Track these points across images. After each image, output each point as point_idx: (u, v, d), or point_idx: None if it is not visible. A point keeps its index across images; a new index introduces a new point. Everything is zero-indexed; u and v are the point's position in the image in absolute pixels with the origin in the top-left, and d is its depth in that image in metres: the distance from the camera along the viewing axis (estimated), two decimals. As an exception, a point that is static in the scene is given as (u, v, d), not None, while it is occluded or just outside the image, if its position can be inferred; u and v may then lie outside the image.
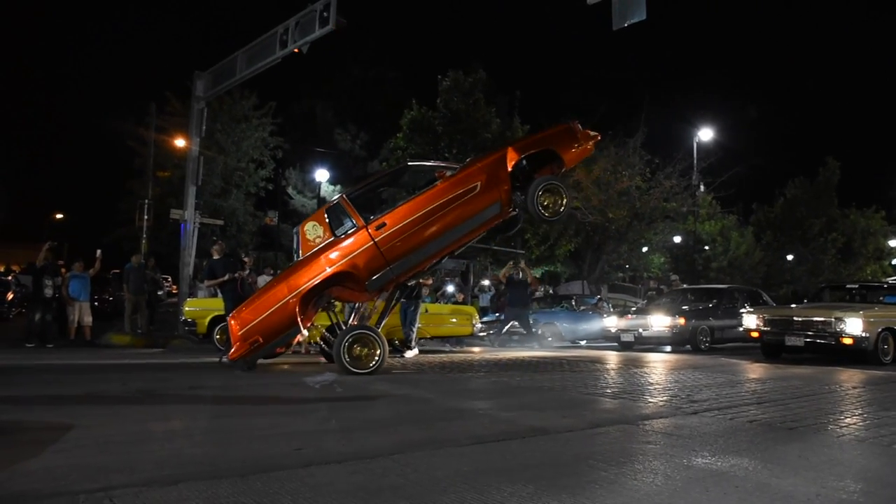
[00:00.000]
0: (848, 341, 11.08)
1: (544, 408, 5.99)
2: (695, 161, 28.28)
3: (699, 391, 7.01)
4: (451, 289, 19.16)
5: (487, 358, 12.17)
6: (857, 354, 11.13)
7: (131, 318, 14.99)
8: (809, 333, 11.60)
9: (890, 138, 72.23)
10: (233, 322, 8.46)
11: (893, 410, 5.82)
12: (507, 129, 30.70)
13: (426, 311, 14.20)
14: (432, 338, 14.60)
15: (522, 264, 17.66)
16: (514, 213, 9.56)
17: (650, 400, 6.39)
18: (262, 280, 14.73)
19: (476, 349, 15.59)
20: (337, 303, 10.10)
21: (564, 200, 9.12)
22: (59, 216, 54.15)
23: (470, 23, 73.10)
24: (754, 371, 9.83)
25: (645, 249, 35.33)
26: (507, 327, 16.22)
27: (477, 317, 15.05)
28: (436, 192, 8.73)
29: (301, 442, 4.09)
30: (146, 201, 19.56)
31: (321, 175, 34.92)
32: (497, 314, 19.19)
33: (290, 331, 8.39)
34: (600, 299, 21.62)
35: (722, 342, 15.86)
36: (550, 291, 25.08)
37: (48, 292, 13.74)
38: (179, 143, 24.86)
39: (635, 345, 15.71)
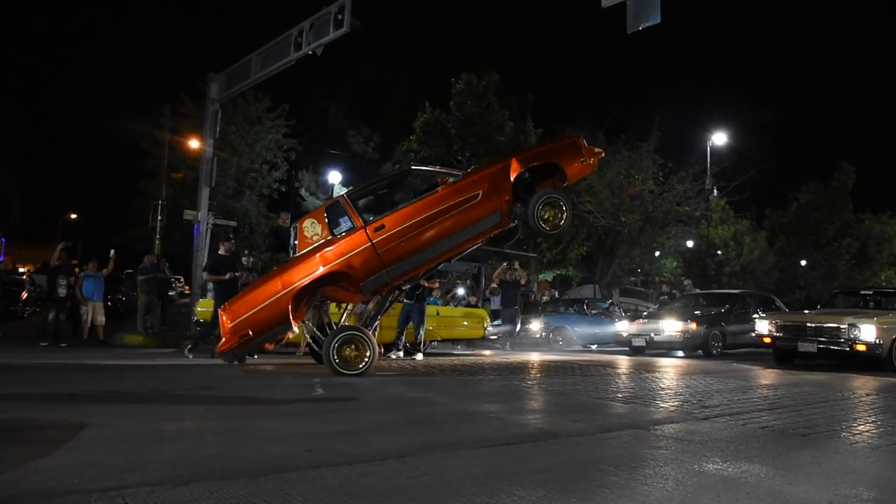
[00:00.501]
0: (861, 348, 10.99)
1: (555, 411, 5.98)
2: (708, 165, 28.16)
3: (711, 396, 6.98)
4: (461, 291, 19.15)
5: (498, 361, 12.18)
6: (871, 361, 11.03)
7: (144, 318, 15.06)
8: (822, 339, 11.52)
9: (905, 143, 71.75)
10: (224, 315, 8.45)
11: (907, 418, 5.78)
12: (521, 132, 30.70)
13: (437, 313, 14.21)
14: (444, 340, 14.60)
15: (516, 265, 17.77)
16: (514, 224, 9.52)
17: (661, 405, 6.36)
18: None
19: (487, 352, 15.59)
20: (332, 303, 10.09)
21: (565, 214, 9.09)
22: (73, 216, 54.50)
23: (482, 25, 73.15)
24: (767, 377, 9.78)
25: (657, 254, 35.21)
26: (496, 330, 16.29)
27: (488, 320, 15.02)
28: (437, 198, 8.73)
29: (311, 443, 4.10)
30: (160, 202, 19.68)
31: (334, 177, 34.98)
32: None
33: (280, 326, 8.33)
34: (612, 303, 21.54)
35: (734, 347, 15.77)
36: (556, 295, 25.03)
37: (62, 292, 13.83)
38: (193, 144, 24.95)
39: (647, 349, 15.63)
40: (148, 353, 11.02)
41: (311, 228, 8.72)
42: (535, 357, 13.72)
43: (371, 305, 9.96)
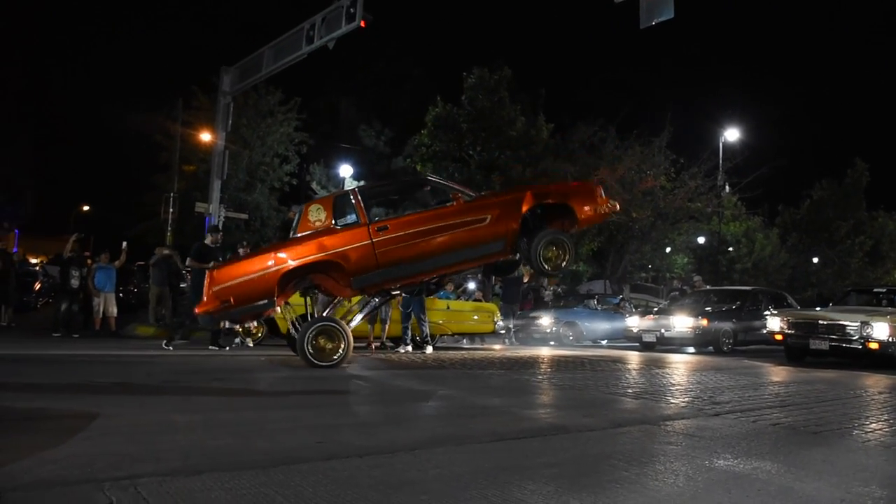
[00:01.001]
0: (874, 346, 10.93)
1: (565, 406, 5.98)
2: (720, 161, 28.07)
3: (721, 393, 6.96)
4: (472, 286, 19.17)
5: (508, 356, 12.18)
6: (884, 359, 10.96)
7: (155, 309, 15.14)
8: (835, 337, 11.46)
9: (920, 140, 71.18)
10: (210, 278, 8.43)
11: (920, 416, 5.75)
12: (532, 127, 30.62)
13: (447, 307, 14.23)
14: (453, 334, 14.62)
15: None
16: (516, 257, 9.48)
17: (672, 401, 6.35)
18: None
19: (497, 346, 15.60)
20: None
21: (568, 257, 9.11)
22: (85, 209, 54.76)
23: (494, 20, 72.94)
24: (778, 374, 9.75)
25: (668, 250, 35.12)
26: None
27: (498, 314, 15.04)
28: (446, 212, 8.77)
29: (322, 435, 4.12)
30: (172, 195, 19.75)
31: (345, 171, 35.01)
32: (520, 311, 19.17)
33: (263, 301, 8.25)
34: (622, 299, 21.51)
35: (745, 344, 15.74)
36: (559, 291, 24.97)
37: (74, 283, 13.93)
38: (205, 137, 25.03)
39: (657, 345, 15.62)
40: (159, 344, 11.06)
41: (316, 214, 8.68)
42: (544, 352, 13.71)
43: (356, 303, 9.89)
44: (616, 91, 63.78)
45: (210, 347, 11.13)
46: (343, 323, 8.76)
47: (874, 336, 10.95)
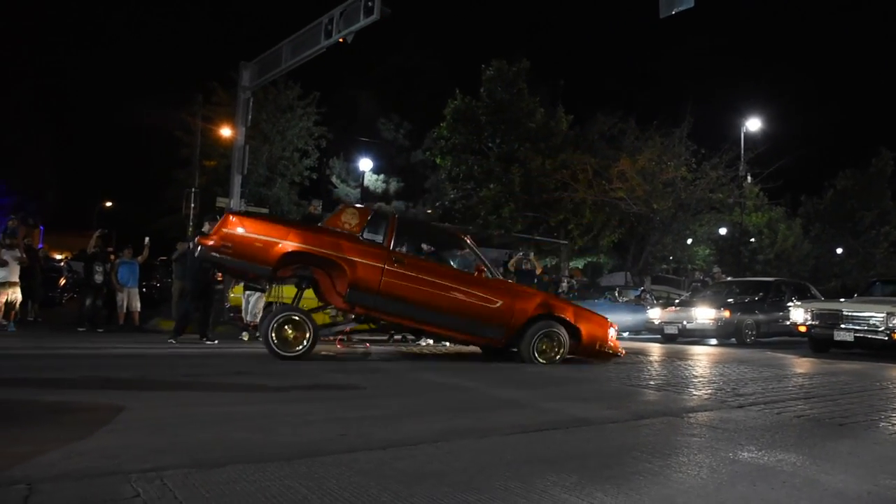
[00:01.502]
0: (900, 337, 10.81)
1: (587, 398, 5.96)
2: (742, 151, 27.82)
3: (745, 385, 6.92)
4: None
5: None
6: (910, 350, 10.85)
7: (178, 304, 15.25)
8: (859, 328, 11.35)
9: (947, 128, 70.11)
10: (228, 217, 8.47)
11: (948, 408, 5.68)
12: (551, 119, 30.53)
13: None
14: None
15: (532, 255, 17.93)
16: (505, 347, 9.33)
17: (694, 393, 6.32)
18: None
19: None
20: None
21: (563, 350, 9.10)
22: (107, 205, 55.29)
23: (512, 11, 72.65)
24: (802, 366, 9.67)
25: (690, 241, 34.91)
26: None
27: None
28: (463, 277, 8.94)
29: (345, 428, 4.13)
30: (193, 190, 19.89)
31: (365, 164, 35.11)
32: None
33: (258, 265, 8.17)
34: (644, 291, 21.41)
35: (768, 336, 15.63)
36: (574, 283, 24.88)
37: (98, 278, 14.07)
38: (225, 132, 25.19)
39: (679, 337, 15.55)
40: (182, 338, 11.16)
41: (349, 217, 8.70)
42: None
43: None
44: (636, 81, 63.34)
45: (206, 342, 11.20)
46: (309, 314, 8.62)
47: (900, 327, 10.82)
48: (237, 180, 17.37)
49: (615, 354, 9.49)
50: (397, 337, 12.70)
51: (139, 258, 14.85)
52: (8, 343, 10.20)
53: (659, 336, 16.11)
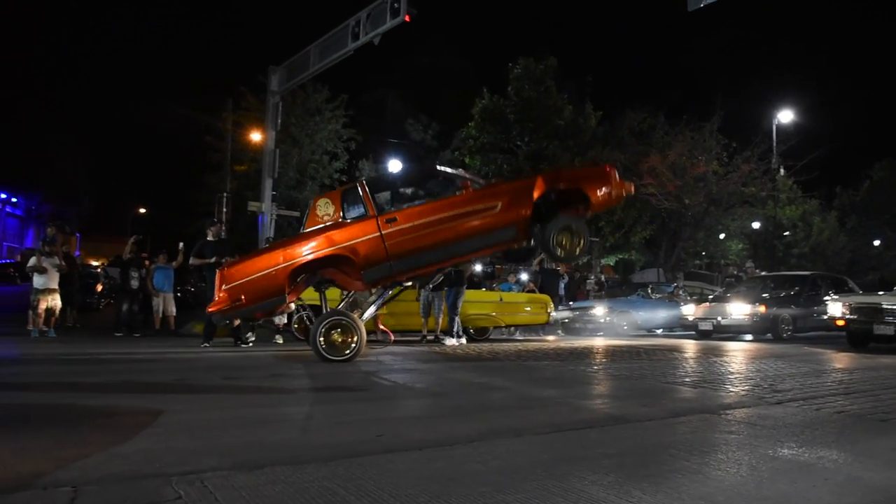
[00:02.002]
0: (942, 330, 10.60)
1: (622, 396, 5.93)
2: (774, 144, 27.44)
3: (782, 381, 6.83)
4: (524, 276, 19.12)
5: (562, 346, 12.13)
6: (952, 344, 10.63)
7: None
8: (900, 322, 11.13)
9: None
10: (222, 273, 8.45)
11: None
12: (580, 116, 30.39)
13: (500, 299, 14.21)
14: (508, 326, 14.60)
15: None
16: (529, 244, 9.32)
17: (731, 389, 6.25)
18: None
19: (550, 337, 15.55)
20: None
21: (582, 243, 8.88)
22: (142, 210, 56.08)
23: (538, 8, 72.40)
24: (840, 361, 9.52)
25: (722, 236, 34.54)
26: None
27: (552, 305, 14.96)
28: (456, 201, 8.62)
29: (381, 429, 4.15)
30: (224, 194, 20.12)
31: (394, 166, 35.17)
32: (570, 303, 19.10)
33: (275, 299, 8.30)
34: (677, 287, 21.23)
35: (804, 331, 15.42)
36: (603, 279, 24.75)
37: (134, 284, 14.27)
38: (255, 137, 25.40)
39: (713, 333, 15.39)
40: (218, 341, 11.28)
41: (324, 208, 8.66)
42: (599, 342, 13.63)
43: (372, 296, 9.82)
44: (665, 76, 62.80)
45: (241, 345, 11.30)
46: (356, 317, 8.72)
47: (942, 319, 10.61)
48: (268, 184, 17.54)
49: (627, 193, 9.36)
50: (430, 338, 12.76)
51: (174, 263, 15.02)
52: (49, 349, 10.39)
53: (693, 332, 15.96)
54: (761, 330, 14.95)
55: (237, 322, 11.07)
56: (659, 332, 18.35)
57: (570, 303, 19.11)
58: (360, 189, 8.75)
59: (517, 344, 12.83)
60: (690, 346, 12.33)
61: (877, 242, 44.02)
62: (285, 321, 12.22)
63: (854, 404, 5.35)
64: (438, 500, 2.74)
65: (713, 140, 27.24)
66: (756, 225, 37.06)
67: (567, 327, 17.61)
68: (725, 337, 15.37)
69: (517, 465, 3.32)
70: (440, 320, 12.69)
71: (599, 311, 17.76)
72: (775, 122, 27.81)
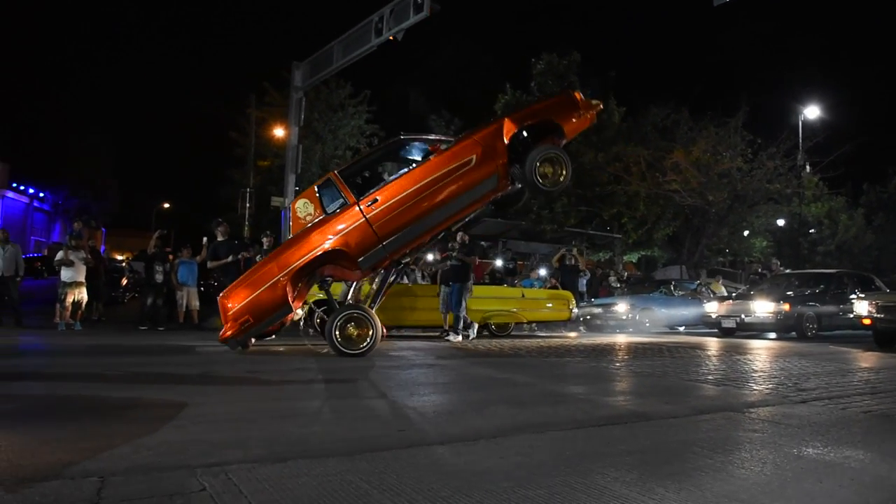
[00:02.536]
0: (971, 329, 10.44)
1: (645, 394, 5.90)
2: (800, 140, 27.13)
3: (807, 379, 6.76)
4: (543, 272, 19.09)
5: (584, 343, 12.09)
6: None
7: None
8: (928, 321, 10.98)
9: None
10: (223, 301, 8.43)
11: None
12: (603, 112, 30.20)
13: (522, 295, 14.19)
14: (529, 322, 14.58)
15: (575, 252, 17.79)
16: (514, 187, 9.22)
17: (755, 387, 6.20)
18: None
19: (572, 334, 15.51)
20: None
21: (565, 171, 8.77)
22: (165, 205, 56.61)
23: (561, 3, 72.06)
24: (867, 360, 9.41)
25: (746, 233, 34.21)
26: None
27: (574, 302, 14.92)
28: (429, 167, 8.50)
29: (403, 423, 4.17)
30: (248, 189, 20.24)
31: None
32: (592, 299, 19.03)
33: (281, 310, 8.30)
34: (700, 284, 21.08)
35: (830, 329, 15.25)
36: (626, 276, 24.58)
37: (159, 278, 14.41)
38: (278, 132, 25.53)
39: (737, 331, 15.28)
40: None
41: (304, 209, 8.64)
42: (621, 339, 13.57)
43: (376, 282, 9.80)
44: (689, 72, 62.26)
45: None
46: (371, 311, 8.71)
47: (971, 319, 10.45)
48: (291, 179, 17.64)
49: (597, 110, 9.32)
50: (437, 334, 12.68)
51: (197, 258, 15.14)
52: (75, 341, 10.54)
53: (716, 330, 15.84)
54: (785, 328, 14.81)
55: None
56: (681, 329, 18.24)
57: (592, 299, 19.04)
58: (333, 180, 8.72)
59: (539, 340, 12.81)
60: (713, 344, 12.24)
61: (905, 240, 43.36)
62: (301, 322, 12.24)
63: (881, 404, 5.29)
64: (461, 494, 2.75)
65: (738, 136, 26.96)
66: (781, 222, 36.67)
67: (589, 324, 17.57)
68: (749, 335, 15.25)
69: (539, 460, 3.31)
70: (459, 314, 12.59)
71: (621, 307, 17.69)
72: (801, 117, 27.49)
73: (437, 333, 12.87)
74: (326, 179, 8.91)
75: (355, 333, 8.44)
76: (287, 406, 4.90)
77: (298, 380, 6.51)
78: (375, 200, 8.38)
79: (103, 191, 55.58)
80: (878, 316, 11.78)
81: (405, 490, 2.78)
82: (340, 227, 8.34)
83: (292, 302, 8.33)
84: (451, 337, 12.01)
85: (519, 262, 21.23)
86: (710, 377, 7.05)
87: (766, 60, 66.37)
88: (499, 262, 21.73)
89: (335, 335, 8.34)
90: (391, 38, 14.56)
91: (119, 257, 36.64)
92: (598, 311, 17.81)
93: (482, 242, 27.32)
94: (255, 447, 3.45)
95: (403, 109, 41.34)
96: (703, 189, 26.61)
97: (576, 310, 15.03)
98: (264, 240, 14.01)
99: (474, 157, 8.44)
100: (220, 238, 12.58)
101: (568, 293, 15.35)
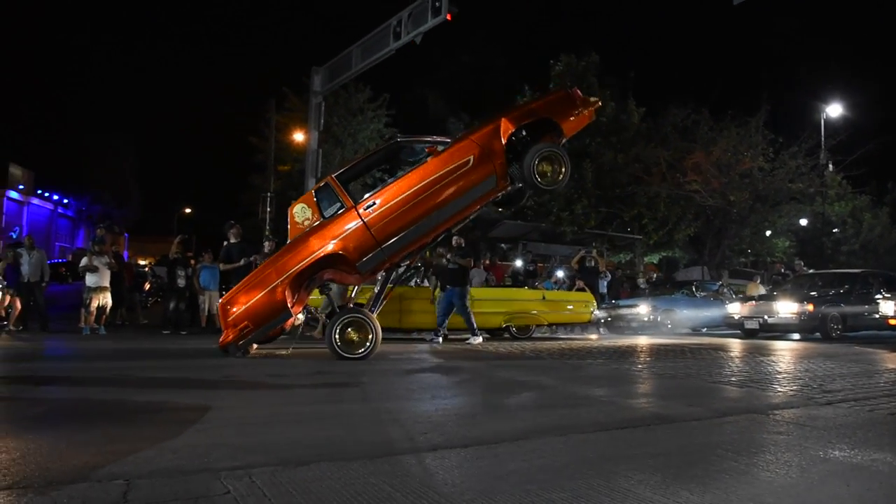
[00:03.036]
0: None
1: (668, 396, 5.87)
2: (822, 139, 26.86)
3: (832, 381, 6.69)
4: (560, 273, 19.00)
5: (605, 345, 12.04)
6: None
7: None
8: (955, 320, 10.83)
9: None
10: (223, 306, 8.44)
11: None
12: (622, 113, 30.11)
13: (543, 297, 14.15)
14: (550, 325, 14.53)
15: (594, 253, 17.68)
16: (512, 187, 9.08)
17: (779, 389, 6.14)
18: None
19: (593, 336, 15.45)
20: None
21: (564, 169, 8.65)
22: (187, 210, 57.12)
23: (579, 4, 71.85)
24: (893, 361, 9.29)
25: (768, 233, 33.90)
26: None
27: (595, 304, 14.86)
28: (426, 169, 8.39)
29: (426, 426, 4.17)
30: (268, 194, 20.35)
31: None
32: (613, 301, 18.95)
33: (280, 315, 8.28)
34: (722, 285, 20.92)
35: (854, 330, 15.05)
36: (653, 277, 24.46)
37: (181, 282, 14.52)
38: (298, 137, 25.67)
39: (760, 332, 15.13)
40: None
41: (302, 213, 8.61)
42: (643, 341, 13.49)
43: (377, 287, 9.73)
44: (709, 71, 61.86)
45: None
46: (371, 314, 8.68)
47: None
48: (311, 183, 17.71)
49: (595, 108, 9.26)
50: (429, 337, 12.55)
51: (219, 263, 15.25)
52: (100, 345, 10.65)
53: (738, 331, 15.71)
54: (809, 329, 14.64)
55: None
56: (704, 330, 18.11)
57: (613, 301, 18.95)
58: (331, 184, 8.68)
59: (560, 342, 12.76)
60: (736, 345, 12.14)
61: (931, 239, 42.78)
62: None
63: (908, 405, 5.22)
64: (484, 497, 2.74)
65: (759, 135, 26.76)
66: (804, 222, 36.32)
67: (610, 326, 17.49)
68: (772, 336, 15.10)
69: (563, 463, 3.31)
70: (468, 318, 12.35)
71: (643, 309, 17.58)
72: (824, 115, 27.21)
73: (406, 338, 12.75)
74: (325, 185, 8.87)
75: (355, 338, 8.43)
76: (309, 409, 4.92)
77: (320, 384, 6.53)
78: (373, 204, 8.35)
79: (126, 197, 56.27)
80: (905, 316, 11.64)
81: (428, 493, 2.78)
82: (339, 231, 8.31)
83: (292, 307, 8.31)
84: (472, 340, 11.94)
85: (539, 265, 21.17)
86: (733, 379, 7.00)
87: (788, 58, 65.77)
88: (518, 263, 21.69)
89: (335, 339, 8.35)
90: (410, 41, 14.59)
91: (142, 262, 36.97)
92: (619, 312, 17.72)
93: (502, 245, 27.27)
94: (278, 451, 3.47)
95: (422, 112, 41.39)
96: (725, 189, 26.43)
97: (596, 312, 14.96)
98: (266, 244, 14.06)
99: (472, 157, 8.35)
100: (232, 240, 12.65)
101: (588, 295, 15.29)
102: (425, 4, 14.02)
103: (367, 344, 8.41)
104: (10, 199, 49.69)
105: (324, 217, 8.51)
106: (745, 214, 27.81)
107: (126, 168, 56.47)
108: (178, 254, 14.88)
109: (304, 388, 6.22)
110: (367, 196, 8.56)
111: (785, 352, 10.74)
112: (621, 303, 18.63)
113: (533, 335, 14.11)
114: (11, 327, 13.61)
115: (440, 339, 11.96)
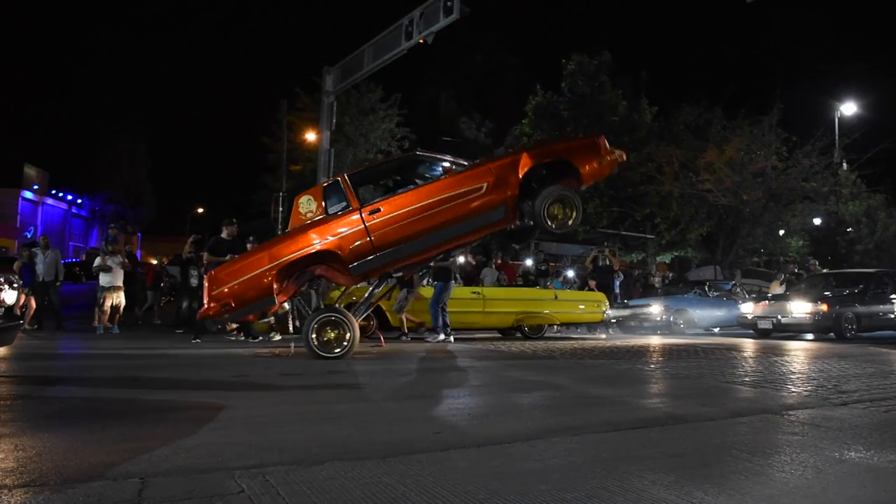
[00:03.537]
0: None
1: (681, 396, 5.84)
2: (836, 137, 26.70)
3: (847, 381, 6.64)
4: (571, 273, 18.96)
5: (618, 345, 12.01)
6: None
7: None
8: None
9: None
10: (209, 280, 8.45)
11: None
12: (634, 111, 30.03)
13: (555, 297, 14.14)
14: (563, 324, 14.52)
15: (607, 252, 17.62)
16: (521, 223, 9.09)
17: (793, 389, 6.11)
18: None
19: (603, 336, 15.42)
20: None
21: (574, 214, 8.65)
22: (199, 210, 57.38)
23: (591, 3, 71.62)
24: (908, 361, 9.22)
25: (782, 233, 33.70)
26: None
27: (606, 303, 14.83)
28: (439, 186, 8.39)
29: (439, 426, 4.17)
30: (281, 194, 20.37)
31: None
32: (625, 301, 18.90)
33: (264, 300, 8.24)
34: (735, 285, 20.82)
35: (869, 330, 14.95)
36: (668, 277, 24.35)
37: (194, 282, 14.55)
38: (310, 137, 25.72)
39: (773, 332, 15.04)
40: (275, 339, 11.48)
41: (307, 205, 8.59)
42: (656, 340, 13.45)
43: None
44: (722, 69, 61.53)
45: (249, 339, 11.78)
46: (349, 314, 8.67)
47: None
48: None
49: (619, 161, 9.15)
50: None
51: (204, 251, 15.28)
52: (114, 344, 10.71)
53: (752, 331, 15.62)
54: (823, 329, 14.55)
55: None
56: (716, 330, 18.04)
57: (626, 300, 18.90)
58: (341, 183, 8.67)
59: (572, 342, 12.74)
60: (749, 345, 12.09)
61: (947, 239, 42.37)
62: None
63: (925, 406, 5.18)
64: (497, 497, 2.74)
65: (772, 134, 26.62)
66: (817, 221, 36.07)
67: (623, 325, 17.45)
68: (785, 336, 15.03)
69: (576, 463, 3.30)
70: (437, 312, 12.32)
71: (655, 309, 17.52)
72: (838, 114, 27.06)
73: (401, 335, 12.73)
74: (335, 181, 8.88)
75: (333, 336, 8.42)
76: (322, 409, 4.93)
77: (332, 383, 6.54)
78: (378, 210, 8.33)
79: (139, 197, 56.61)
80: (920, 316, 11.54)
81: (442, 493, 2.79)
82: (339, 229, 8.30)
83: (277, 294, 8.29)
84: (435, 337, 11.91)
85: (551, 264, 21.15)
86: (746, 379, 6.97)
87: (801, 57, 65.32)
88: (529, 262, 21.68)
89: (311, 337, 8.35)
90: (421, 41, 14.59)
91: (154, 262, 37.17)
92: (632, 312, 17.67)
93: (514, 245, 27.27)
94: (292, 450, 3.47)
95: (434, 112, 41.42)
96: (737, 188, 26.31)
97: (608, 311, 14.93)
98: (248, 246, 14.07)
99: (485, 185, 8.31)
100: (223, 235, 12.66)
101: (601, 294, 15.26)
102: (437, 4, 14.01)
103: (345, 343, 8.39)
104: (25, 199, 50.18)
105: (327, 213, 8.50)
106: (758, 214, 27.68)
107: (139, 168, 56.84)
108: (191, 253, 14.94)
109: (317, 388, 6.23)
110: (373, 201, 8.56)
111: (799, 352, 10.68)
112: (633, 302, 18.58)
113: (545, 335, 14.10)
114: (27, 326, 13.71)
115: (451, 339, 12.00)
